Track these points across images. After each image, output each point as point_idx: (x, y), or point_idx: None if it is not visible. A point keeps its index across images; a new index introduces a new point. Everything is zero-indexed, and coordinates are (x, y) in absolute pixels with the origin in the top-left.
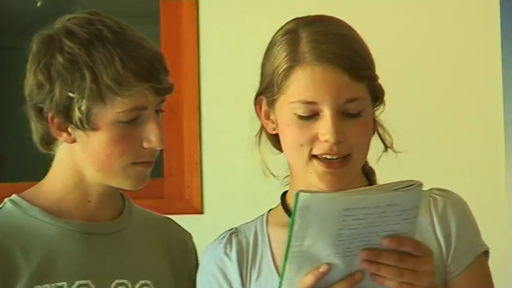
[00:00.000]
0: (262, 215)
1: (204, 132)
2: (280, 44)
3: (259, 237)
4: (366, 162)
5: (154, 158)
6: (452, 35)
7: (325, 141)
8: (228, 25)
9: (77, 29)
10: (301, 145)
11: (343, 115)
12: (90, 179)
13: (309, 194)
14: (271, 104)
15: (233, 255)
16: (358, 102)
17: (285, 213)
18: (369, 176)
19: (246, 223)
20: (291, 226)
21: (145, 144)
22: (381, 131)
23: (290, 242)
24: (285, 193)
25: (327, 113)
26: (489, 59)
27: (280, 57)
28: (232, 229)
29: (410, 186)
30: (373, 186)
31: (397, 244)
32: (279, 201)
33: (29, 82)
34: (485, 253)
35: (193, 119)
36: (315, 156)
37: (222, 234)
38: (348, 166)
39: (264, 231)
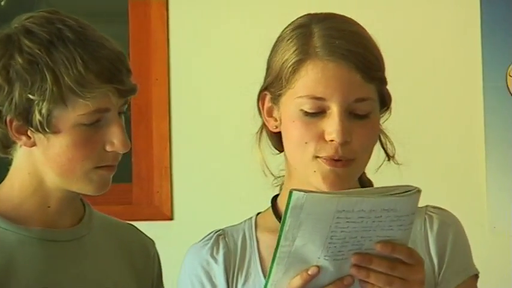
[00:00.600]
0: (250, 218)
1: (175, 135)
2: (290, 38)
3: (248, 242)
4: (364, 173)
5: (117, 162)
6: (432, 38)
7: (331, 140)
8: (199, 25)
9: (36, 28)
10: (306, 142)
11: (351, 115)
12: (50, 183)
13: (302, 192)
14: (277, 99)
15: (220, 258)
16: (367, 102)
17: (275, 219)
18: (365, 186)
19: (233, 226)
20: (282, 225)
21: (108, 148)
22: (383, 139)
23: (279, 242)
24: (275, 197)
25: (334, 110)
26: (469, 62)
27: (291, 51)
28: (218, 231)
29: (408, 191)
30: (369, 188)
31: (390, 250)
32: (259, 206)
33: None
34: (475, 276)
35: (163, 121)
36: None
37: (208, 235)
38: (351, 167)
39: (253, 235)
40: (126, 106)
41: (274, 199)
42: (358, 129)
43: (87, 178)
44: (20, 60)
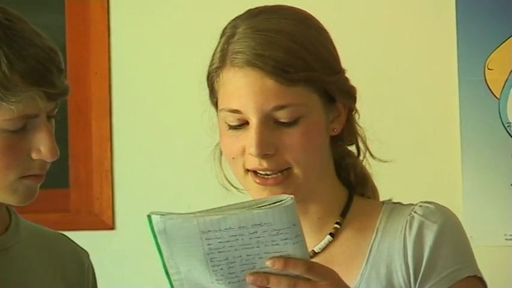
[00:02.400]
0: None
1: (116, 136)
2: (218, 41)
3: None
4: (354, 170)
5: (44, 171)
6: (406, 32)
7: (250, 154)
8: (143, 13)
9: None
10: (233, 158)
11: (277, 124)
12: None
13: (159, 216)
14: (216, 110)
15: None
16: (290, 109)
17: None
18: (352, 188)
19: None
20: (160, 254)
21: (34, 156)
22: (356, 136)
23: (167, 270)
24: None
25: (253, 122)
26: (445, 56)
27: (215, 57)
28: None
29: (278, 202)
30: (237, 203)
31: (282, 266)
32: None
33: None
34: (475, 278)
35: (104, 121)
36: (249, 170)
37: None
38: (286, 182)
39: None
40: (56, 109)
41: None
42: (286, 137)
43: (11, 188)
44: None
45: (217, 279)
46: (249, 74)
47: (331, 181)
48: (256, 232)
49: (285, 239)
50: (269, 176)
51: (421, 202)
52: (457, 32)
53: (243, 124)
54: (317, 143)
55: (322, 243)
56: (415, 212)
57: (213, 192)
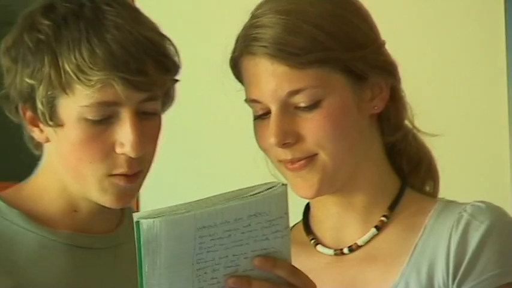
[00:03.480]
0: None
1: None
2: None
3: None
4: (407, 154)
5: (133, 170)
6: (455, 37)
7: (270, 144)
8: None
9: (58, 3)
10: (265, 150)
11: (298, 110)
12: (71, 188)
13: (152, 219)
14: None
15: None
16: (306, 92)
17: (303, 230)
18: (405, 178)
19: None
20: (140, 269)
21: (118, 150)
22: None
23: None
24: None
25: (272, 110)
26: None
27: (235, 45)
28: None
29: (271, 188)
30: (224, 193)
31: (271, 265)
32: None
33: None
34: None
35: None
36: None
37: None
38: (311, 167)
39: None
40: (153, 104)
41: (308, 205)
42: (307, 122)
43: (101, 187)
44: (27, 38)
45: None
46: (261, 61)
47: (378, 167)
48: (249, 225)
49: (275, 232)
50: (295, 160)
51: (474, 201)
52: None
53: (267, 113)
54: (344, 125)
55: (366, 237)
56: (464, 210)
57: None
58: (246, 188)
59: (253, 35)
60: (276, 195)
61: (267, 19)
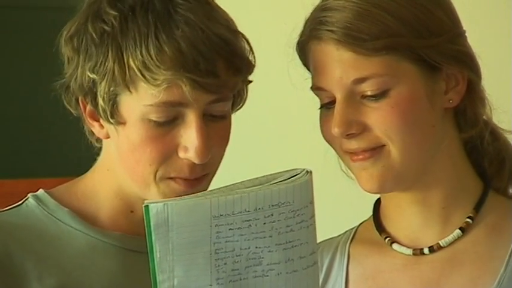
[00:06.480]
0: (353, 228)
1: None
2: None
3: (337, 258)
4: (489, 155)
5: (195, 175)
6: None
7: (337, 134)
8: None
9: None
10: (329, 141)
11: (365, 99)
12: (128, 188)
13: (161, 203)
14: None
15: None
16: (372, 81)
17: (374, 227)
18: (488, 180)
19: (332, 238)
20: (151, 255)
21: (181, 154)
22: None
23: (156, 278)
24: (379, 200)
25: (337, 99)
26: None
27: (304, 26)
28: None
29: (296, 176)
30: (246, 181)
31: None
32: None
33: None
34: None
35: None
36: (346, 152)
37: None
38: (376, 158)
39: (345, 249)
40: (224, 107)
41: (378, 202)
42: (374, 112)
43: (158, 189)
44: (91, 28)
45: (217, 279)
46: (326, 46)
47: (455, 166)
48: (272, 215)
49: (301, 222)
50: (360, 153)
51: None
52: None
53: (333, 102)
54: (413, 117)
55: (450, 238)
56: None
57: None
58: (270, 174)
59: (320, 18)
60: (300, 184)
61: (335, 2)
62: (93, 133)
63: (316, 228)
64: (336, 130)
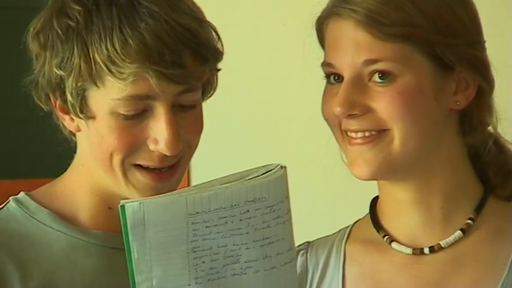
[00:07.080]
0: (347, 227)
1: None
2: None
3: (333, 257)
4: (496, 165)
5: (163, 165)
6: None
7: (334, 113)
8: None
9: None
10: (327, 119)
11: (372, 83)
12: (102, 182)
13: (137, 202)
14: None
15: None
16: (382, 63)
17: (372, 227)
18: (489, 186)
19: (326, 236)
20: (129, 255)
21: (151, 146)
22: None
23: (135, 279)
24: (375, 198)
25: (344, 77)
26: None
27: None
28: (305, 243)
29: (271, 171)
30: (221, 177)
31: None
32: None
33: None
34: None
35: None
36: (346, 138)
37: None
38: (376, 143)
39: (341, 248)
40: (191, 97)
41: (374, 201)
42: (380, 96)
43: (125, 178)
44: (56, 24)
45: (196, 278)
46: (345, 23)
47: (455, 167)
48: (248, 211)
49: (277, 218)
50: (358, 135)
51: None
52: None
53: (340, 77)
54: (417, 107)
55: (451, 238)
56: None
57: None
58: (245, 171)
59: None
60: (275, 179)
61: None
62: (65, 128)
63: (311, 227)
64: (338, 109)
